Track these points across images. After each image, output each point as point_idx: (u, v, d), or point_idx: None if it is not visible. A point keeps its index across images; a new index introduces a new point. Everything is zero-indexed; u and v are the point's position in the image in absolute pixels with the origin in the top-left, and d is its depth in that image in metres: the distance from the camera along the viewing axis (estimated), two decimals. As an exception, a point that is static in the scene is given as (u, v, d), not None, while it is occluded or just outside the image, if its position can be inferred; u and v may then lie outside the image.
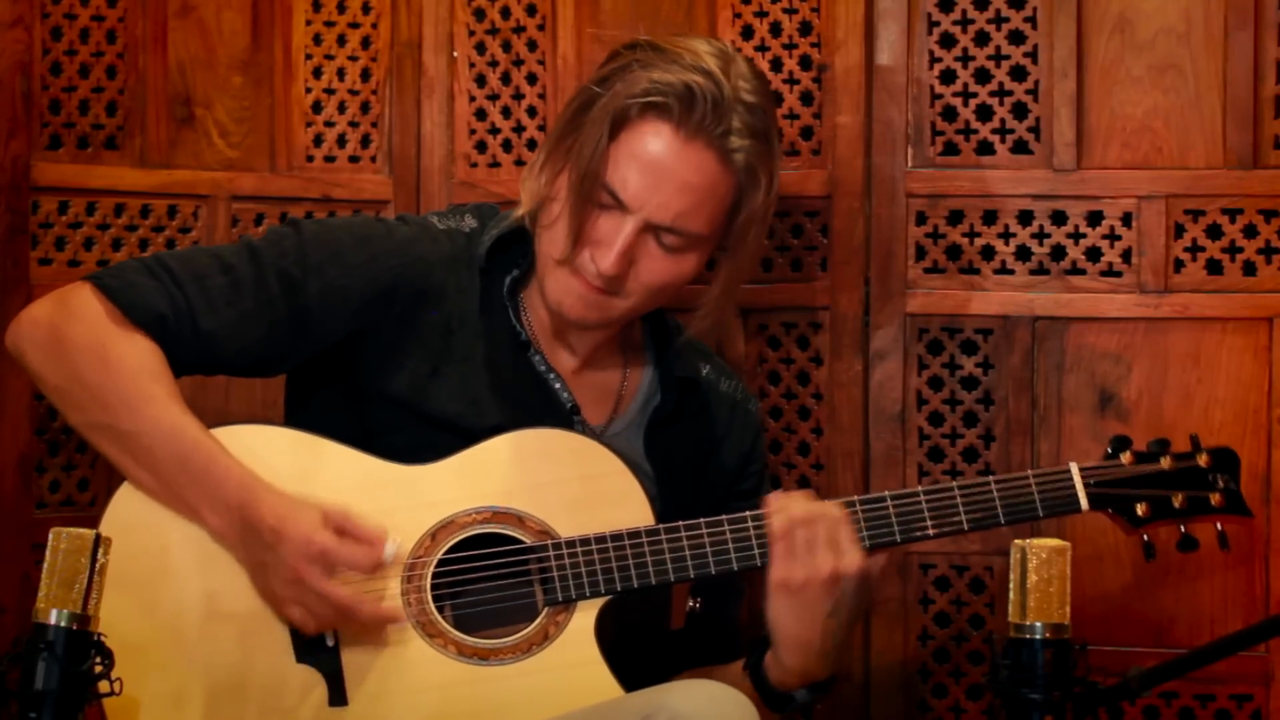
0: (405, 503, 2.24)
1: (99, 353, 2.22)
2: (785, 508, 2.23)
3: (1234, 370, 2.65)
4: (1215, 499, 2.31)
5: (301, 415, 2.38)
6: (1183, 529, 2.32)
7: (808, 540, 2.20)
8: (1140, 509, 2.30)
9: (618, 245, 2.26)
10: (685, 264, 2.31)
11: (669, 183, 2.25)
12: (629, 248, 2.26)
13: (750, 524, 2.26)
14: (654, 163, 2.24)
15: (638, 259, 2.28)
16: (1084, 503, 2.30)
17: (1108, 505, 2.31)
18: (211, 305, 2.26)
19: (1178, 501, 2.31)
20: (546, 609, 2.24)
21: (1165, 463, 2.32)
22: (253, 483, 2.18)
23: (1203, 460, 2.32)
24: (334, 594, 2.14)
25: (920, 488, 2.28)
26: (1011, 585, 1.98)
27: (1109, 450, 2.32)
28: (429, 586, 2.22)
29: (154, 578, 2.20)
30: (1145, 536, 2.31)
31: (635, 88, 2.24)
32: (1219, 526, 2.32)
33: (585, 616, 2.24)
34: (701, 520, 2.26)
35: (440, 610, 2.23)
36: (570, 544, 2.24)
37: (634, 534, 2.25)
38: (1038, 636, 1.95)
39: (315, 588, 2.14)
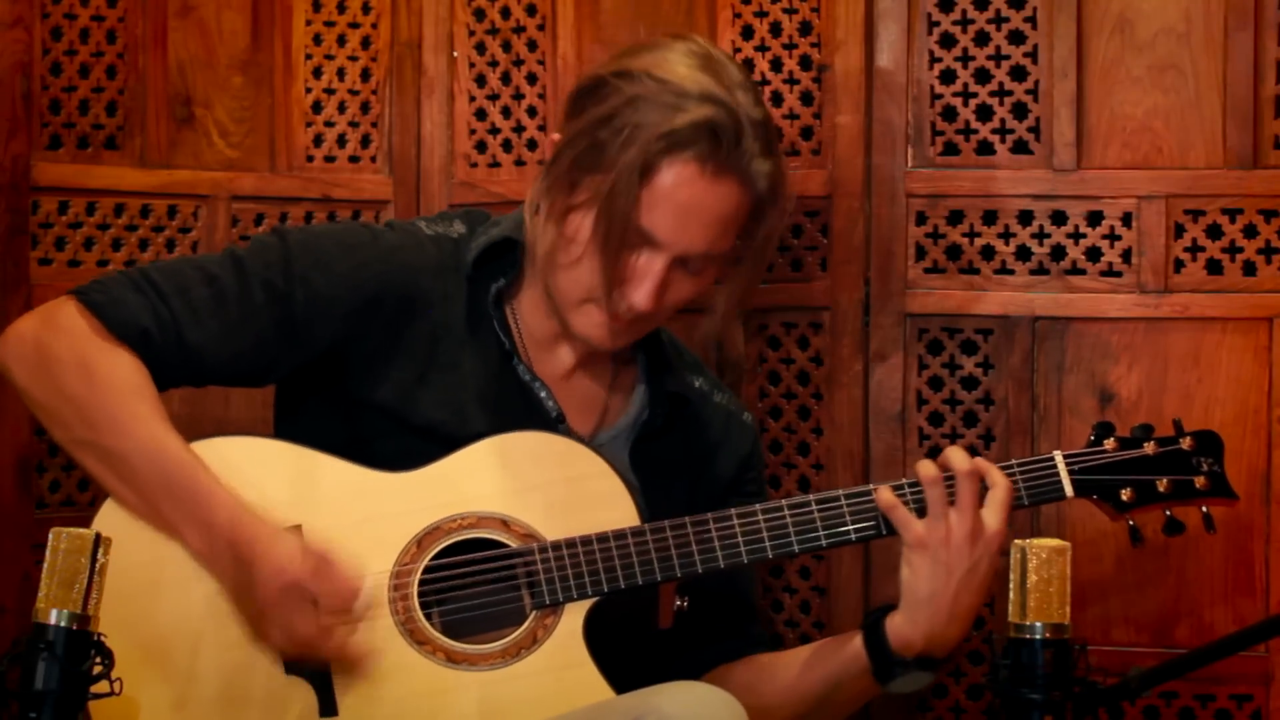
0: (390, 510, 2.23)
1: (84, 369, 2.20)
2: (947, 457, 2.25)
3: (1234, 370, 2.65)
4: (1200, 482, 2.30)
5: (290, 423, 2.37)
6: (1168, 513, 2.31)
7: (955, 494, 2.23)
8: (1125, 494, 2.29)
9: (651, 284, 2.26)
10: (707, 278, 2.33)
11: (700, 219, 2.25)
12: (662, 283, 2.27)
13: (736, 521, 2.26)
14: (685, 204, 2.24)
15: (665, 286, 2.29)
16: (1069, 490, 2.29)
17: (1093, 492, 2.30)
18: (197, 317, 2.25)
19: (1162, 486, 2.30)
20: (534, 612, 2.23)
21: (1149, 448, 2.31)
22: (234, 506, 2.17)
23: (1186, 444, 2.32)
24: (299, 627, 2.13)
25: (905, 480, 2.28)
26: (1011, 585, 1.97)
27: (1092, 437, 2.32)
28: (416, 593, 2.22)
29: (138, 591, 2.18)
30: (1131, 522, 2.31)
31: (655, 135, 2.21)
32: (1204, 510, 2.31)
33: (573, 619, 2.23)
34: (686, 519, 2.26)
35: (428, 617, 2.22)
36: (556, 546, 2.23)
37: (619, 535, 2.24)
38: (1038, 636, 1.95)
39: (282, 619, 2.13)
